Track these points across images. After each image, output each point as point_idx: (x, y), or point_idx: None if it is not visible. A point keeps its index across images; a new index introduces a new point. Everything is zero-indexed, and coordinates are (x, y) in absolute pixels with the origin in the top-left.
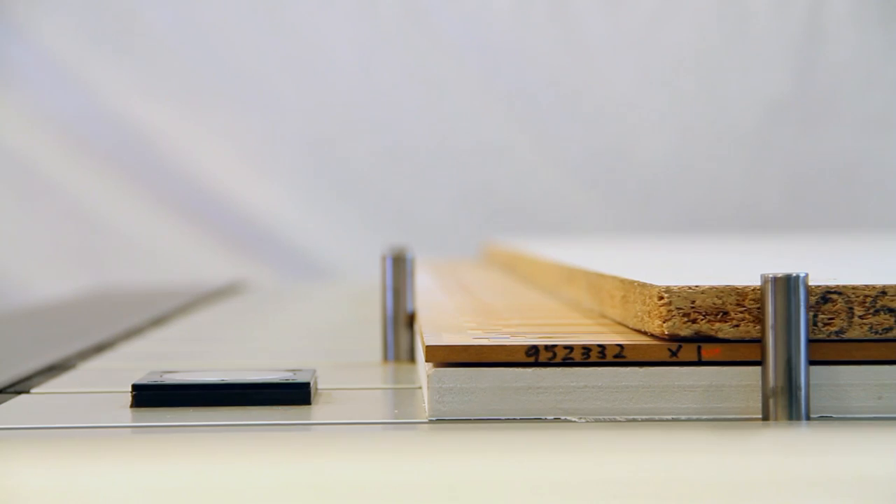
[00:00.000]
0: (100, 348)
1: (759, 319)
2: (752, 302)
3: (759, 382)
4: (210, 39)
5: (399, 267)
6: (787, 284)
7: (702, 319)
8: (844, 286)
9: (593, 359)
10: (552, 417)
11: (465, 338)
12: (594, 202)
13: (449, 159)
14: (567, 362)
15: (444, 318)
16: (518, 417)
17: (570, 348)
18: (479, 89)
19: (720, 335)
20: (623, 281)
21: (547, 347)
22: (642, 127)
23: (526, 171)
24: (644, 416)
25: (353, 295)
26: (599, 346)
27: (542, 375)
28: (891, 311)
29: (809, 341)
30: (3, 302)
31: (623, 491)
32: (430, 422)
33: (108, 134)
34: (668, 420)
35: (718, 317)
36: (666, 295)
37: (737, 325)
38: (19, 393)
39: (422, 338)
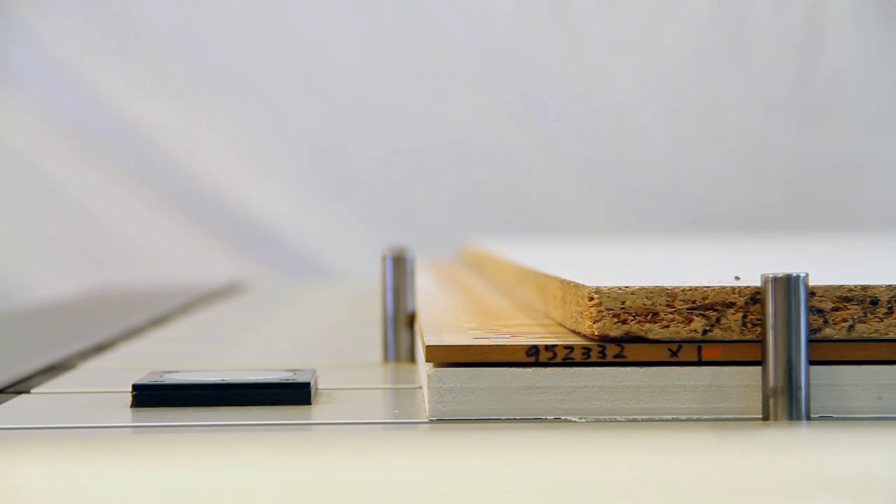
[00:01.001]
0: (100, 348)
1: (689, 320)
2: (681, 303)
3: (760, 382)
4: (210, 39)
5: (399, 267)
6: (788, 284)
7: (632, 320)
8: None
9: (593, 359)
10: (552, 417)
11: (466, 338)
12: (594, 202)
13: (449, 159)
14: (567, 362)
15: (444, 318)
16: (518, 417)
17: (570, 348)
18: (480, 89)
19: (650, 336)
20: (562, 282)
21: (547, 347)
22: (643, 126)
23: (526, 171)
24: (644, 416)
25: (353, 295)
26: (600, 345)
27: (542, 375)
28: (819, 311)
29: (809, 341)
30: (4, 302)
31: (623, 491)
32: (431, 422)
33: (108, 134)
34: (668, 420)
35: (648, 317)
36: (596, 296)
37: (667, 326)
38: (19, 393)
39: (422, 338)
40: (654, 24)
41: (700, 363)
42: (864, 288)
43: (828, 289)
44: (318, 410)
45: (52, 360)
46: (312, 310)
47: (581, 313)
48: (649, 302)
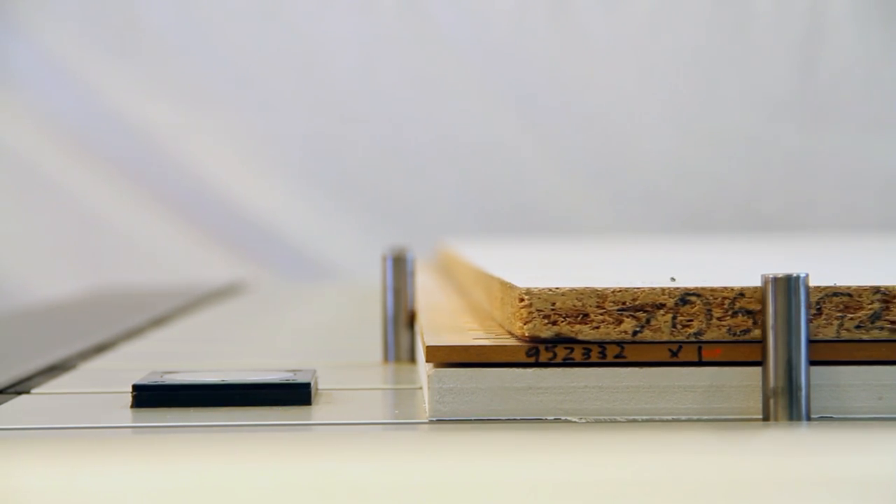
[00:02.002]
0: (100, 348)
1: (619, 321)
2: (611, 304)
3: (760, 382)
4: (210, 39)
5: (399, 267)
6: (788, 285)
7: (562, 321)
8: (703, 288)
9: (594, 359)
10: (552, 418)
11: (466, 338)
12: (595, 202)
13: (450, 159)
14: (567, 362)
15: (444, 318)
16: (518, 418)
17: (570, 348)
18: (480, 88)
19: (580, 337)
20: (501, 283)
21: (547, 347)
22: (643, 126)
23: (526, 171)
24: (644, 416)
25: (353, 295)
26: (600, 345)
27: (543, 376)
28: (749, 312)
29: (809, 342)
30: (3, 302)
31: (623, 491)
32: (431, 422)
33: (108, 134)
34: (668, 420)
35: (578, 319)
36: (526, 297)
37: (597, 327)
38: (20, 393)
39: (422, 338)
40: (654, 23)
41: (700, 363)
42: None
43: (756, 290)
44: (318, 411)
45: (52, 360)
46: (312, 310)
47: (514, 314)
48: (579, 303)
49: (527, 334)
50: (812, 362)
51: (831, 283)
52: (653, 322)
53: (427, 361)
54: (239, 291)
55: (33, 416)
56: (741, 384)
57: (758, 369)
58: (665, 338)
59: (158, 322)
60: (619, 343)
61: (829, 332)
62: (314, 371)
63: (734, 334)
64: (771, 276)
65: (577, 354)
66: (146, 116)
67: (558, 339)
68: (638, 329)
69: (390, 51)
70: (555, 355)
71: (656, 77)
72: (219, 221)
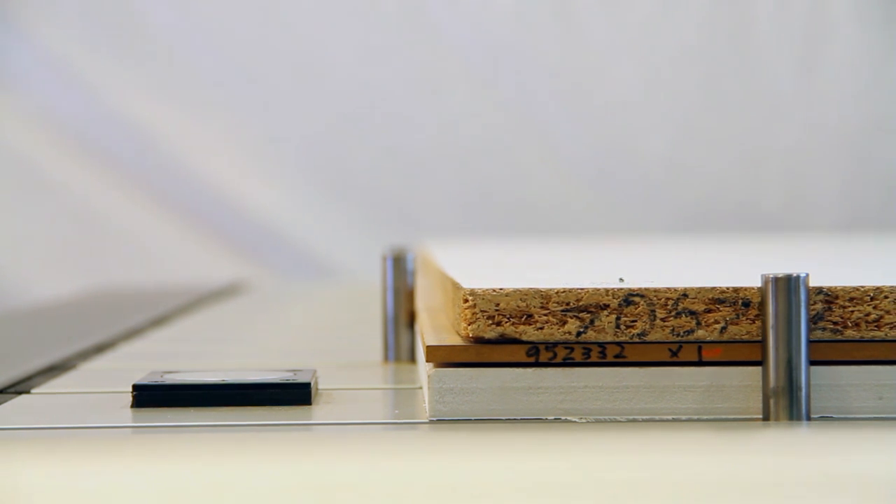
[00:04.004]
0: (100, 348)
1: (564, 322)
2: (555, 304)
3: (760, 382)
4: (210, 39)
5: (399, 267)
6: (788, 285)
7: (506, 322)
8: (647, 289)
9: (594, 359)
10: (552, 418)
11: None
12: (595, 202)
13: (450, 159)
14: (567, 362)
15: (444, 318)
16: (518, 418)
17: (570, 348)
18: (480, 88)
19: (524, 338)
20: (453, 283)
21: (547, 347)
22: (643, 126)
23: (527, 171)
24: (644, 416)
25: (353, 295)
26: (600, 345)
27: (543, 376)
28: (692, 313)
29: (810, 342)
30: (3, 302)
31: (623, 491)
32: (431, 422)
33: (108, 134)
34: (668, 420)
35: (523, 319)
36: (470, 297)
37: (541, 328)
38: (19, 393)
39: (422, 338)
40: (654, 23)
41: (700, 363)
42: (736, 290)
43: (700, 291)
44: (318, 411)
45: (52, 360)
46: (312, 310)
47: (459, 315)
48: (523, 304)
49: (471, 335)
50: (812, 362)
51: None
52: (597, 323)
53: (427, 361)
54: (239, 291)
55: (33, 416)
56: (741, 384)
57: (758, 369)
58: (609, 338)
59: (158, 322)
60: (620, 343)
61: None
62: (314, 371)
63: (678, 335)
64: (771, 276)
65: (577, 354)
66: (146, 116)
67: (502, 340)
68: (582, 330)
69: (391, 50)
70: (555, 355)
71: (656, 76)
72: (219, 221)
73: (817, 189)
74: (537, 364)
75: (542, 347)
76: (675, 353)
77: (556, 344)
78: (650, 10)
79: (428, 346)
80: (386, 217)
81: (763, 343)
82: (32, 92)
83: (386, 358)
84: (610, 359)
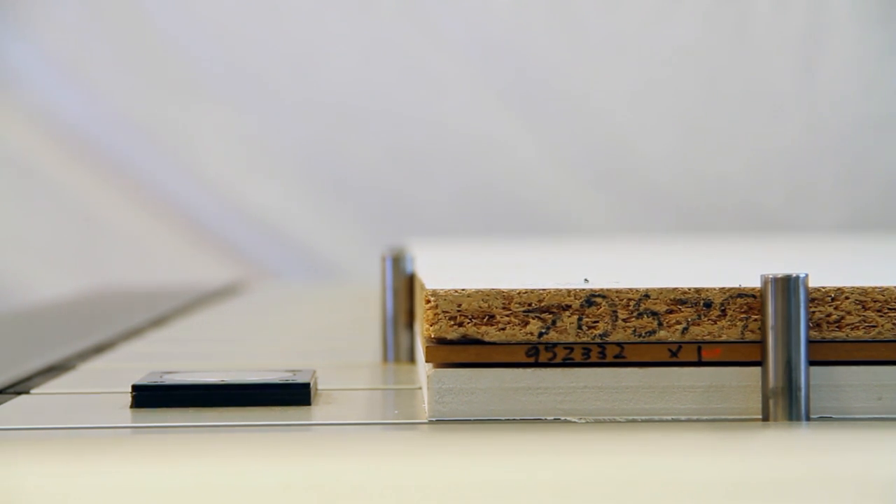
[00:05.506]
0: (100, 348)
1: (525, 322)
2: (517, 305)
3: (759, 383)
4: (210, 38)
5: (399, 267)
6: (788, 285)
7: (468, 323)
8: (608, 289)
9: (593, 359)
10: (552, 418)
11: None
12: (595, 202)
13: (450, 158)
14: (567, 362)
15: None
16: (518, 418)
17: (570, 348)
18: (480, 87)
19: (486, 339)
20: (421, 285)
21: (547, 347)
22: (644, 125)
23: (527, 171)
24: (644, 417)
25: (353, 295)
26: (600, 346)
27: (542, 376)
28: (654, 314)
29: (809, 342)
30: (3, 302)
31: (623, 491)
32: (430, 422)
33: (108, 134)
34: (668, 420)
35: (485, 320)
36: (432, 298)
37: (503, 329)
38: (19, 393)
39: (422, 338)
40: (655, 22)
41: (700, 363)
42: (698, 290)
43: (661, 291)
44: (318, 411)
45: (52, 361)
46: (312, 310)
47: (423, 315)
48: (485, 304)
49: (433, 335)
50: (812, 362)
51: (736, 285)
52: (558, 323)
53: (427, 362)
54: (239, 291)
55: (33, 416)
56: (741, 384)
57: (757, 369)
58: (571, 339)
59: (158, 322)
60: (620, 343)
61: (734, 334)
62: (314, 371)
63: (640, 336)
64: (771, 276)
65: (577, 354)
66: (146, 116)
67: (464, 341)
68: (544, 331)
69: (390, 48)
70: (555, 355)
71: (657, 76)
72: (219, 221)
73: (817, 188)
74: (537, 364)
75: (541, 348)
76: (674, 354)
77: (555, 344)
78: (650, 9)
79: (427, 347)
80: (386, 217)
81: (762, 343)
82: (33, 91)
83: (385, 358)
84: (610, 359)
